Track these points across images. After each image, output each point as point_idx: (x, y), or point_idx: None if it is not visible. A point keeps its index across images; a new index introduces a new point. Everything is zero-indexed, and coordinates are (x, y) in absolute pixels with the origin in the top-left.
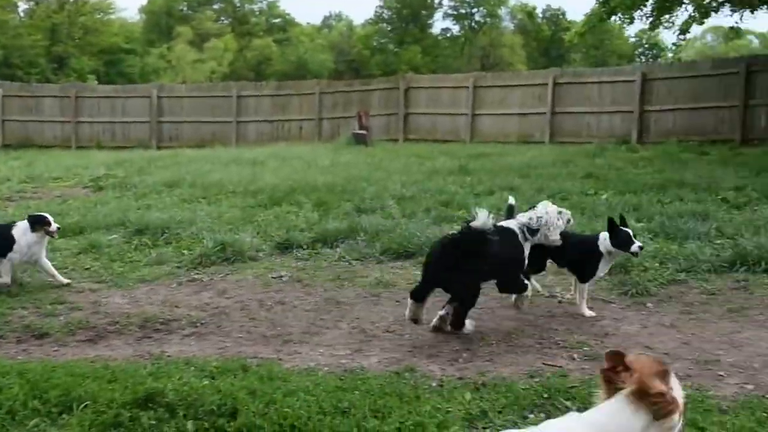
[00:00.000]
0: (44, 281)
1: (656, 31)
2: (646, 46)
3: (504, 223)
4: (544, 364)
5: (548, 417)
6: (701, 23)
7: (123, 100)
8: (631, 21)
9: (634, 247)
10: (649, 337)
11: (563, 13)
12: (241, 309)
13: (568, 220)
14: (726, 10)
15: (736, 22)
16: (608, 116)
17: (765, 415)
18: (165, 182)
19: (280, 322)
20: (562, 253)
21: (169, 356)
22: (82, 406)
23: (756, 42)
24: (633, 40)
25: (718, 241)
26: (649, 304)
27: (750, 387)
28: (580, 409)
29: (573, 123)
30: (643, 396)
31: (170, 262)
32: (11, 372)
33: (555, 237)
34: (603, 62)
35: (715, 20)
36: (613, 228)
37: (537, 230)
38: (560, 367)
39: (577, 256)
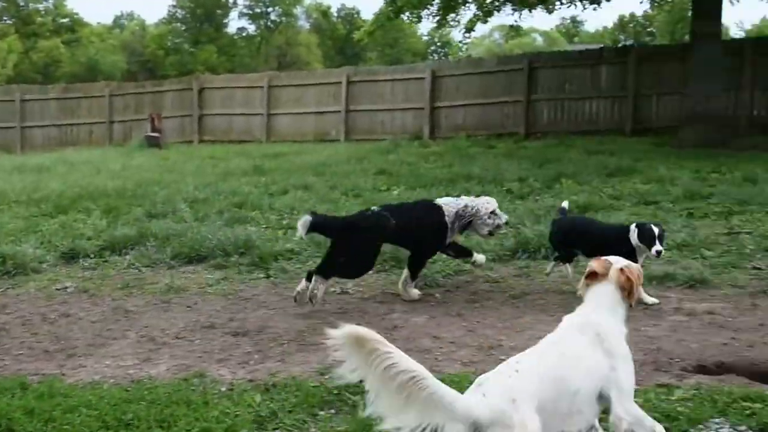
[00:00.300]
0: None
1: (446, 29)
2: (439, 44)
3: (439, 201)
4: (334, 360)
5: (338, 413)
6: (485, 22)
7: None
8: (419, 20)
9: (654, 249)
10: (436, 327)
11: (358, 12)
12: (22, 324)
13: (499, 225)
14: (507, 9)
15: (516, 21)
16: (401, 113)
17: None
18: None
19: (64, 336)
20: (588, 243)
21: None
22: None
23: (540, 39)
24: (426, 38)
25: (502, 230)
26: (437, 295)
27: None
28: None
29: (367, 121)
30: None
31: None
32: None
33: (483, 232)
34: (398, 60)
35: (500, 19)
36: (642, 223)
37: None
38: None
39: (604, 245)
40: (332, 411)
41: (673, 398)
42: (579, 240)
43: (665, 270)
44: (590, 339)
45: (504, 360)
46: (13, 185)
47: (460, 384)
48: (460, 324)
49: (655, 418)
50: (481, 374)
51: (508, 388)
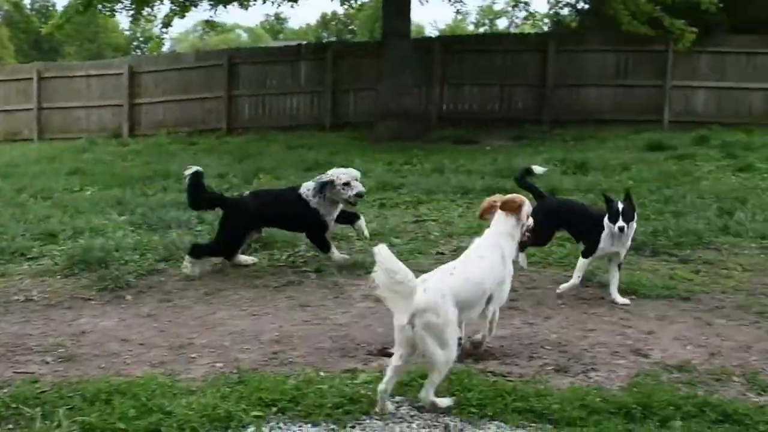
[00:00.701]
0: None
1: (148, 24)
2: (141, 39)
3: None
4: (15, 372)
5: (15, 428)
6: (183, 17)
7: None
8: (113, 14)
9: (617, 225)
10: (126, 329)
11: (53, 5)
12: None
13: (358, 194)
14: (205, 4)
15: (211, 16)
16: (98, 110)
17: (229, 389)
18: None
19: None
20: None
21: None
22: None
23: (245, 36)
24: (128, 33)
25: (199, 228)
26: (128, 297)
27: (219, 365)
28: (46, 416)
29: (62, 118)
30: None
31: None
32: None
33: (341, 200)
34: (99, 55)
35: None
36: (607, 201)
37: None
38: (32, 373)
39: (583, 228)
40: (9, 427)
41: (358, 381)
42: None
43: (355, 259)
44: (499, 257)
45: (194, 358)
46: None
47: (147, 386)
48: (152, 325)
49: (337, 404)
50: (170, 374)
51: (442, 286)
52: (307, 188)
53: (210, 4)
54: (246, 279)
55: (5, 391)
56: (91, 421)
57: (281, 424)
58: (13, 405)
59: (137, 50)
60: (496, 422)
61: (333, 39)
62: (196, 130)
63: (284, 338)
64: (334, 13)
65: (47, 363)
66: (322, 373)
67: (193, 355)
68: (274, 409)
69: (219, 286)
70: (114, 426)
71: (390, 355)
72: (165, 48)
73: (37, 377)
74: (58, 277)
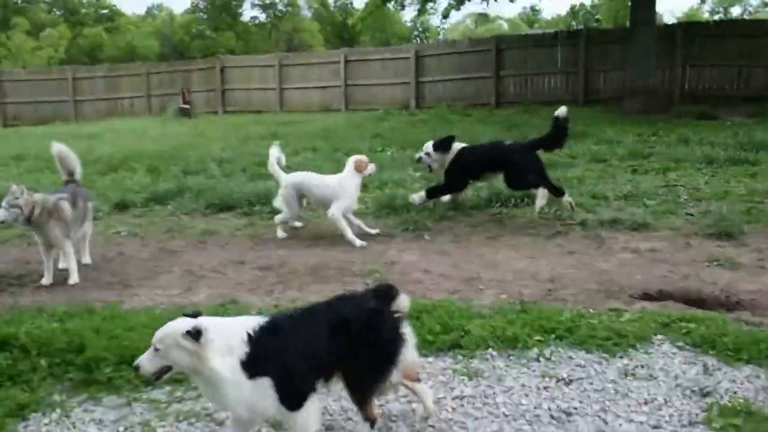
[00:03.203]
0: None
1: (426, 16)
2: (420, 29)
3: None
4: (344, 290)
5: None
6: (458, 9)
7: None
8: (403, 8)
9: None
10: (427, 263)
11: (351, 2)
12: (85, 262)
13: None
14: None
15: (483, 9)
16: (391, 87)
17: (513, 315)
18: (12, 156)
19: (121, 271)
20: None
21: (22, 306)
22: None
23: (505, 26)
24: (409, 24)
25: (479, 184)
26: (426, 237)
27: (504, 296)
28: None
29: (363, 93)
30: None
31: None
32: None
33: None
34: (387, 43)
35: (472, 7)
36: None
37: None
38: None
39: None
40: None
41: (623, 320)
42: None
43: (615, 216)
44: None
45: (482, 289)
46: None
47: (448, 309)
48: (446, 260)
49: (607, 337)
50: (464, 300)
51: None
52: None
53: None
54: (521, 228)
55: None
56: None
57: (559, 349)
58: None
59: (416, 39)
60: (751, 365)
61: (581, 27)
62: (470, 104)
63: (556, 278)
64: (582, 5)
65: (367, 284)
66: (591, 310)
67: (481, 287)
68: (553, 335)
69: (499, 233)
70: (424, 337)
71: (651, 298)
72: (440, 36)
73: None
74: (370, 217)
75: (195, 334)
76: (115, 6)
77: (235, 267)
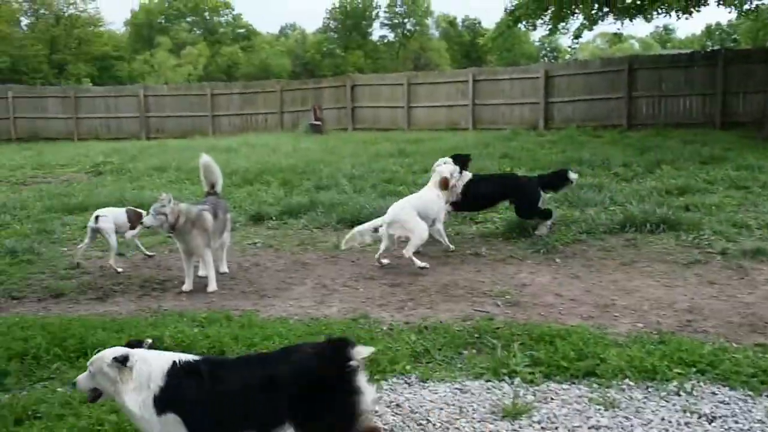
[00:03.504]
0: (57, 251)
1: (555, 36)
2: (548, 49)
3: None
4: (474, 310)
5: (479, 353)
6: (591, 29)
7: (115, 99)
8: (534, 28)
9: None
10: (558, 286)
11: (479, 22)
12: (222, 271)
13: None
14: (610, 18)
15: (618, 29)
16: (519, 107)
17: (653, 347)
18: (154, 167)
19: (257, 281)
20: None
21: (165, 310)
22: (96, 351)
23: (636, 45)
24: (537, 44)
25: (612, 208)
26: (557, 260)
27: (640, 325)
28: (504, 347)
29: (491, 113)
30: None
31: (161, 232)
32: (35, 325)
33: None
34: (514, 62)
35: (603, 27)
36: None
37: None
38: (487, 312)
39: None
40: (474, 351)
41: None
42: None
43: (758, 245)
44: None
45: (617, 317)
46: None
47: (583, 335)
48: (579, 285)
49: (753, 373)
50: (598, 327)
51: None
52: None
53: (615, 18)
54: (656, 254)
55: (468, 323)
56: (540, 356)
57: (701, 384)
58: (476, 335)
59: (544, 58)
60: None
61: (717, 47)
62: (600, 125)
63: (695, 309)
64: (718, 24)
65: (498, 306)
66: (734, 344)
67: (616, 314)
68: (694, 369)
69: (633, 258)
70: (558, 363)
71: None
72: (570, 56)
73: (491, 316)
74: (500, 239)
75: (122, 361)
76: (251, 26)
77: (365, 282)
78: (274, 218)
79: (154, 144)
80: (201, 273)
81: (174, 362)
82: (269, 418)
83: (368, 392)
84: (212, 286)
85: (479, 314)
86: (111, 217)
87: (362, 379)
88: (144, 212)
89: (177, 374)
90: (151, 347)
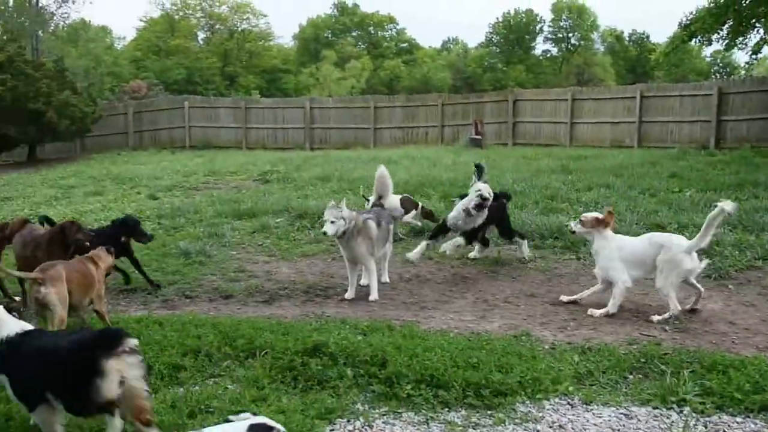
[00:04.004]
0: (227, 254)
1: (730, 51)
2: (720, 64)
3: None
4: (640, 333)
5: (646, 378)
6: None
7: (282, 110)
8: (710, 43)
9: None
10: (731, 314)
11: (647, 36)
12: (384, 281)
13: None
14: None
15: None
16: (689, 125)
17: None
18: (318, 177)
19: (417, 292)
20: None
21: (328, 316)
22: (263, 352)
23: None
24: (709, 59)
25: None
26: (730, 286)
27: None
28: (673, 373)
29: (658, 130)
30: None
31: (325, 241)
32: (206, 324)
33: None
34: (683, 78)
35: None
36: None
37: None
38: (654, 336)
39: None
40: (640, 376)
41: None
42: None
43: None
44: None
45: None
46: (370, 173)
47: (759, 367)
48: (754, 313)
49: None
50: None
51: None
52: None
53: None
54: None
55: (635, 347)
56: (712, 386)
57: None
58: (642, 360)
59: (715, 75)
60: None
61: None
62: None
63: None
64: None
65: (666, 331)
66: None
67: None
68: None
69: None
70: (731, 395)
71: None
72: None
73: (658, 341)
74: None
75: None
76: (414, 40)
77: (526, 299)
78: None
79: (318, 154)
80: (363, 282)
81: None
82: (53, 383)
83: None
84: (374, 295)
85: (646, 338)
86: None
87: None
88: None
89: (11, 341)
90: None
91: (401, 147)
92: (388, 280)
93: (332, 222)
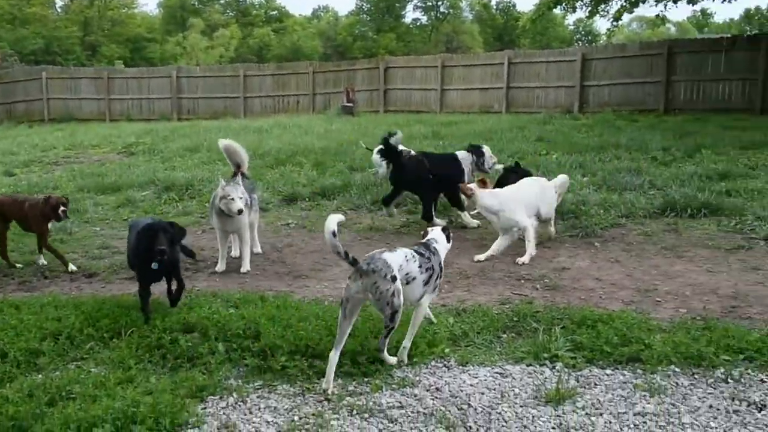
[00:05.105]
0: (91, 230)
1: (593, 18)
2: (582, 32)
3: None
4: (512, 293)
5: (518, 336)
6: (631, 12)
7: (147, 80)
8: (574, 10)
9: None
10: (598, 270)
11: (514, 5)
12: (256, 251)
13: None
14: (651, 0)
15: (661, 11)
16: (554, 90)
17: (698, 333)
18: (186, 148)
19: (290, 262)
20: None
21: (198, 290)
22: (129, 331)
23: (673, 29)
24: (571, 27)
25: (651, 192)
26: (596, 244)
27: (684, 311)
28: (545, 330)
29: (525, 96)
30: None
31: (194, 213)
32: (68, 305)
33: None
34: (547, 46)
35: (643, 10)
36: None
37: None
38: (526, 295)
39: None
40: (514, 334)
41: None
42: None
43: None
44: None
45: (659, 302)
46: (240, 142)
47: (626, 320)
48: (619, 269)
49: None
50: (641, 312)
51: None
52: None
53: (656, 0)
54: (698, 240)
55: (507, 307)
56: (582, 341)
57: (749, 371)
58: (515, 318)
59: (578, 42)
60: None
61: (755, 32)
62: (636, 110)
63: (740, 295)
64: (758, 8)
65: (537, 289)
66: None
67: (658, 299)
68: (741, 356)
69: (674, 243)
70: (601, 348)
71: None
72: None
73: (530, 299)
74: None
75: None
76: (284, 8)
77: None
78: (307, 199)
79: (186, 125)
80: (234, 253)
81: None
82: None
83: None
84: (246, 266)
85: (518, 298)
86: None
87: None
88: None
89: None
90: None
91: (272, 116)
92: (260, 250)
93: (240, 198)
